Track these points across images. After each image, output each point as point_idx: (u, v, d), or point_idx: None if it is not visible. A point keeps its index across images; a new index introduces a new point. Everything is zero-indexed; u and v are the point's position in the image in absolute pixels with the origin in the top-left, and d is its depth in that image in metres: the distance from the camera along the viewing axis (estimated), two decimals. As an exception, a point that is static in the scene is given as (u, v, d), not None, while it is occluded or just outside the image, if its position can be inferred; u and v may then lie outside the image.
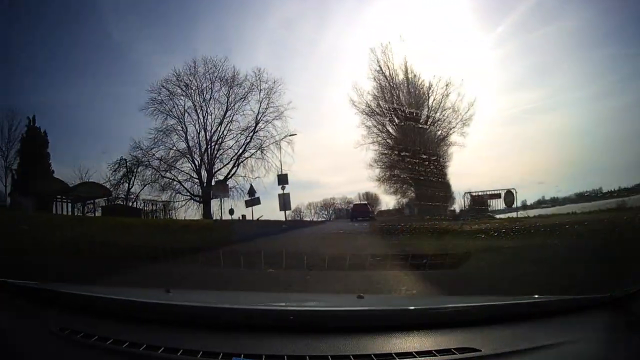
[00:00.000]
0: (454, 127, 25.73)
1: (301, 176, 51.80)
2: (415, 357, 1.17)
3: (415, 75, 26.33)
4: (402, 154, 25.63)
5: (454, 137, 25.85)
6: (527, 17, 32.67)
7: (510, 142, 34.93)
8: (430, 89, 25.77)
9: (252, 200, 21.52)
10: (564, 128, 31.99)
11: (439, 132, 26.42)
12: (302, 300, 2.27)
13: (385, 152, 28.14)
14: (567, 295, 1.60)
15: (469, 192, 19.95)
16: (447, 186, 25.26)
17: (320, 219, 45.21)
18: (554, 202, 27.88)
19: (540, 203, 27.60)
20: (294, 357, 1.18)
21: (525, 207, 22.06)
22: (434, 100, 25.98)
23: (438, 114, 26.08)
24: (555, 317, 1.44)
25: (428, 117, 25.81)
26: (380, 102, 26.72)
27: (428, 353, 1.19)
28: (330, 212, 50.02)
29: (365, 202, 31.16)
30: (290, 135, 24.49)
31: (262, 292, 3.41)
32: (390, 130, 27.59)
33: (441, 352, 1.19)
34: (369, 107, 26.99)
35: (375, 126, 27.45)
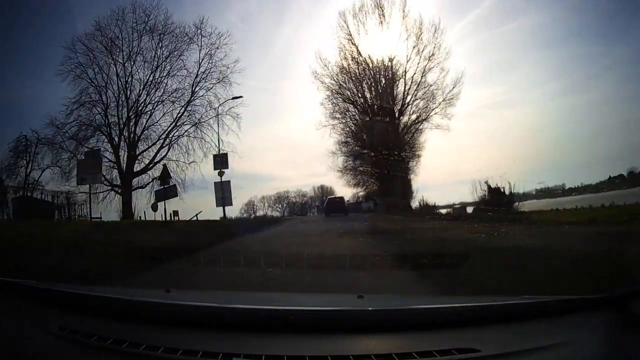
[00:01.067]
0: (435, 108, 21.83)
1: (254, 168, 51.70)
2: (415, 357, 1.17)
3: (390, 49, 21.93)
4: (369, 137, 22.12)
5: (436, 119, 22.02)
6: (490, 13, 32.80)
7: (473, 136, 35.24)
8: (408, 61, 21.52)
9: (165, 190, 14.35)
10: (526, 124, 32.20)
11: (415, 115, 22.28)
12: (302, 300, 2.26)
13: (350, 138, 24.48)
14: (567, 296, 1.60)
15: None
16: (407, 181, 22.11)
17: (276, 214, 42.51)
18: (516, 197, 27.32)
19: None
20: (293, 357, 1.18)
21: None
22: (413, 74, 21.60)
23: (415, 92, 21.71)
24: (555, 317, 1.44)
25: (404, 95, 21.73)
26: (347, 76, 22.64)
27: (428, 353, 1.18)
28: (285, 205, 47.94)
29: (341, 196, 28.10)
30: (234, 99, 18.94)
31: (262, 292, 3.41)
32: (357, 111, 23.41)
33: (441, 352, 1.19)
34: (334, 80, 22.86)
35: (341, 103, 23.36)
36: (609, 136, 31.20)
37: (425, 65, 21.61)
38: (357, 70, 22.71)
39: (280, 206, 48.64)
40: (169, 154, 19.98)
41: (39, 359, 1.33)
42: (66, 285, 1.94)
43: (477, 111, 36.28)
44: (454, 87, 21.67)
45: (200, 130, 20.06)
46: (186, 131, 20.18)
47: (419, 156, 23.62)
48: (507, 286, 3.31)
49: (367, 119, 22.91)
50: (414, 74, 21.81)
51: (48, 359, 1.34)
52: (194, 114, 20.26)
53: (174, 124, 20.02)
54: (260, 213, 43.67)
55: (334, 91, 23.21)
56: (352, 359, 1.16)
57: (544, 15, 32.90)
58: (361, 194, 32.00)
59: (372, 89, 22.92)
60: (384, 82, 22.63)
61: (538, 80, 36.49)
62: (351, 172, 26.89)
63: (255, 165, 52.25)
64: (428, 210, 19.54)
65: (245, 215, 41.66)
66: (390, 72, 22.20)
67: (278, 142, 45.74)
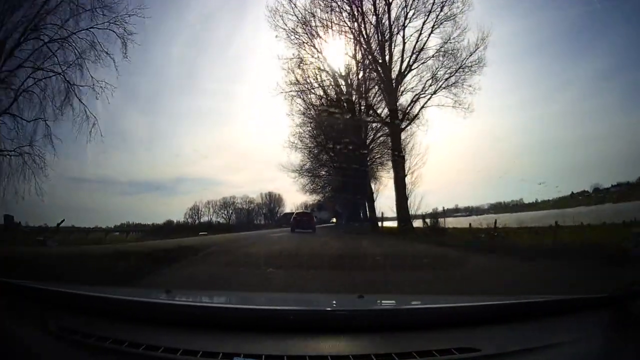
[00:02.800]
0: (449, 78, 15.80)
1: (201, 172, 50.28)
2: (415, 357, 1.17)
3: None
4: (345, 117, 16.64)
5: (450, 95, 16.08)
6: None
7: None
8: (408, 13, 15.77)
9: None
10: (485, 134, 31.80)
11: (412, 91, 16.27)
12: (302, 300, 2.27)
13: (314, 123, 18.75)
14: (567, 295, 1.60)
15: None
16: (401, 184, 16.79)
17: (222, 220, 37.05)
18: (469, 211, 26.25)
19: (452, 211, 24.10)
20: (293, 357, 1.18)
21: (436, 214, 16.24)
22: (422, 25, 15.62)
23: (418, 52, 15.73)
24: (555, 317, 1.44)
25: (402, 58, 15.85)
26: (319, 24, 16.34)
27: (428, 353, 1.19)
28: (231, 212, 42.52)
29: (309, 212, 24.80)
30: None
31: (262, 292, 3.41)
32: (331, 79, 17.29)
33: (441, 352, 1.19)
34: (300, 23, 16.49)
35: (307, 53, 16.97)
36: (570, 151, 31.56)
37: (436, 17, 15.63)
38: (333, 18, 16.44)
39: (225, 212, 43.67)
40: (18, 105, 11.22)
41: (39, 359, 1.33)
42: (66, 285, 1.94)
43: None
44: (476, 49, 15.56)
45: (66, 69, 11.27)
46: (31, 56, 11.04)
47: (408, 151, 18.18)
48: None
49: (345, 91, 17.28)
50: (423, 25, 15.65)
51: (48, 359, 1.34)
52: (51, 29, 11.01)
53: (22, 37, 10.76)
54: (205, 219, 39.03)
55: (298, 43, 16.91)
56: (352, 359, 1.16)
57: (509, 26, 33.78)
58: (310, 203, 27.84)
59: (356, 47, 17.19)
60: (372, 35, 16.38)
61: (498, 92, 36.59)
62: (309, 175, 22.00)
63: (202, 168, 50.91)
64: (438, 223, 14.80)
65: (189, 220, 36.27)
66: (385, 25, 16.08)
67: (226, 146, 44.55)
